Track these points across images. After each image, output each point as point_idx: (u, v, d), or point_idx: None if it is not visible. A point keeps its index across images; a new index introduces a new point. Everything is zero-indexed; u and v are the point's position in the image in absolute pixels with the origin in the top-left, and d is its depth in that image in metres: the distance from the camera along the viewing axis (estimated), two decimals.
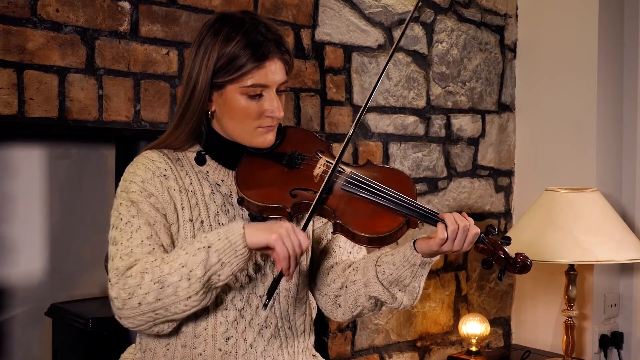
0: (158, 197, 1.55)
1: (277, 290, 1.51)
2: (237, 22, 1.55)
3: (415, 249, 1.53)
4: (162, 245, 1.51)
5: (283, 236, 1.40)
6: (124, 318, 1.45)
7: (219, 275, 1.40)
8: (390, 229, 1.51)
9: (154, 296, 1.40)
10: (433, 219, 1.51)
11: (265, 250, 1.43)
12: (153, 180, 1.56)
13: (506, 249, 1.54)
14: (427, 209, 1.53)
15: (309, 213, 1.52)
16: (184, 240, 1.55)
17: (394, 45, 1.63)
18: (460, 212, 1.53)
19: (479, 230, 1.52)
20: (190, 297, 1.40)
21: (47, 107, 2.02)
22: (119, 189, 1.58)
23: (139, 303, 1.41)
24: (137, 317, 1.43)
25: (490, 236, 1.55)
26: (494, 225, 1.60)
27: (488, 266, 1.54)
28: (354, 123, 1.60)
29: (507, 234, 2.88)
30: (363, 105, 1.62)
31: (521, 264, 1.53)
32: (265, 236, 1.40)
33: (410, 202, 1.53)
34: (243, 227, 1.41)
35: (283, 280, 1.63)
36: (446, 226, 1.49)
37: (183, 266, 1.39)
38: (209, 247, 1.39)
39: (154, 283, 1.39)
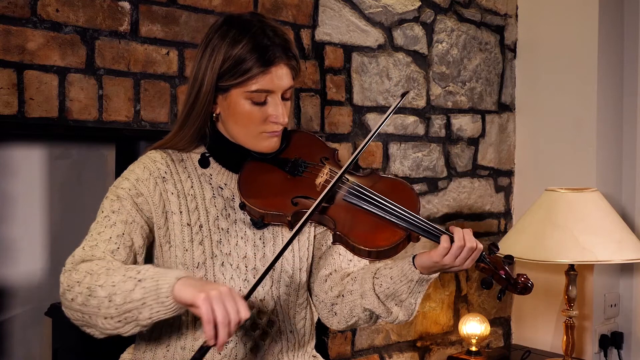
0: (147, 198, 1.55)
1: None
2: (244, 24, 1.53)
3: (414, 264, 1.50)
4: (131, 247, 1.51)
5: (213, 298, 1.25)
6: (62, 306, 1.44)
7: (139, 313, 1.32)
8: (390, 243, 1.48)
9: (82, 300, 1.37)
10: (435, 234, 1.48)
11: (193, 309, 1.30)
12: (148, 180, 1.56)
13: (508, 269, 1.49)
14: (430, 224, 1.49)
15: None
16: (182, 244, 1.55)
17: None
18: (465, 220, 1.50)
19: (481, 247, 1.48)
20: (106, 318, 1.35)
21: (47, 107, 2.01)
22: (114, 182, 1.59)
23: (72, 299, 1.39)
24: (69, 311, 1.42)
25: (492, 255, 1.51)
26: (497, 244, 1.55)
27: (487, 286, 1.50)
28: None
29: (507, 234, 2.88)
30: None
31: (522, 286, 1.49)
32: (192, 294, 1.27)
33: (412, 217, 1.49)
34: (178, 278, 1.30)
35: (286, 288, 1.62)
36: (452, 240, 1.45)
37: (113, 285, 1.34)
38: (139, 280, 1.33)
39: (87, 288, 1.37)
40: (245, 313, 1.28)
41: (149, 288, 1.31)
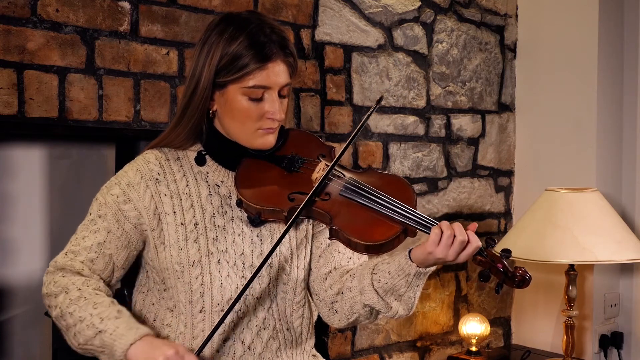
0: (136, 203, 1.57)
1: None
2: (242, 22, 1.54)
3: (410, 258, 1.51)
4: (110, 255, 1.57)
5: None
6: (43, 301, 1.56)
7: (100, 354, 1.46)
8: (387, 237, 1.49)
9: (55, 315, 1.52)
10: (430, 227, 1.48)
11: None
12: (139, 185, 1.57)
13: (505, 262, 1.49)
14: (426, 217, 1.49)
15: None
16: (176, 244, 1.56)
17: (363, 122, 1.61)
18: (468, 220, 1.50)
19: (480, 244, 1.48)
20: (72, 343, 1.49)
21: (47, 107, 2.02)
22: (107, 182, 1.62)
23: (49, 305, 1.54)
24: (49, 310, 1.55)
25: (489, 248, 1.50)
26: (494, 237, 1.54)
27: (485, 279, 1.49)
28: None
29: (507, 234, 2.88)
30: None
31: (520, 279, 1.47)
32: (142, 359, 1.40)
33: (408, 211, 1.50)
34: (131, 343, 1.41)
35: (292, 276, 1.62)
36: (442, 231, 1.45)
37: (80, 321, 1.46)
38: (99, 331, 1.44)
39: (59, 308, 1.49)
40: None
41: (107, 342, 1.43)
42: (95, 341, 1.44)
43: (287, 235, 1.64)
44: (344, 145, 1.57)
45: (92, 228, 1.57)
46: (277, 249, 1.61)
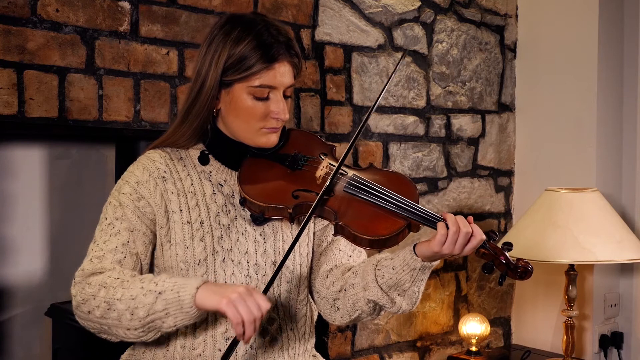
0: (149, 200, 1.56)
1: (233, 353, 1.46)
2: (249, 23, 1.56)
3: (415, 253, 1.52)
4: (136, 254, 1.55)
5: (235, 301, 1.36)
6: (77, 317, 1.50)
7: (162, 322, 1.41)
8: (391, 232, 1.50)
9: (101, 313, 1.44)
10: (434, 221, 1.50)
11: (219, 313, 1.41)
12: (148, 182, 1.57)
13: (507, 255, 1.53)
14: (429, 212, 1.51)
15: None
16: (182, 242, 1.56)
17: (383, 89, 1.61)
18: (466, 217, 1.52)
19: (484, 237, 1.50)
20: (129, 329, 1.43)
21: (47, 107, 2.02)
22: (115, 186, 1.61)
23: (89, 312, 1.46)
24: (86, 322, 1.49)
25: (491, 241, 1.53)
26: (495, 230, 1.57)
27: (489, 271, 1.53)
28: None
29: (507, 234, 2.88)
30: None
31: (522, 270, 1.52)
32: (215, 301, 1.37)
33: (411, 205, 1.52)
34: (197, 287, 1.39)
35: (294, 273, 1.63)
36: (447, 226, 1.47)
37: (133, 299, 1.41)
38: (159, 293, 1.40)
39: (104, 302, 1.43)
40: (265, 305, 1.38)
41: (170, 300, 1.39)
42: (158, 305, 1.39)
43: (290, 234, 1.65)
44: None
45: (111, 231, 1.54)
46: (281, 247, 1.63)
